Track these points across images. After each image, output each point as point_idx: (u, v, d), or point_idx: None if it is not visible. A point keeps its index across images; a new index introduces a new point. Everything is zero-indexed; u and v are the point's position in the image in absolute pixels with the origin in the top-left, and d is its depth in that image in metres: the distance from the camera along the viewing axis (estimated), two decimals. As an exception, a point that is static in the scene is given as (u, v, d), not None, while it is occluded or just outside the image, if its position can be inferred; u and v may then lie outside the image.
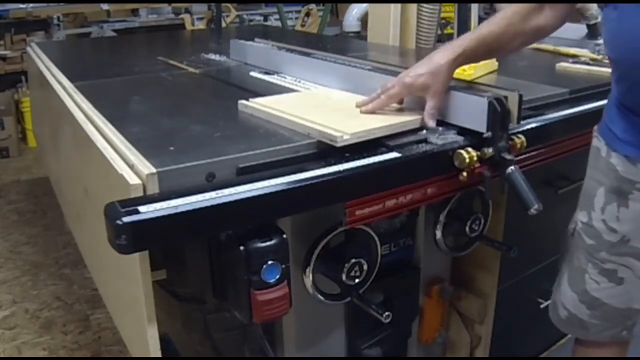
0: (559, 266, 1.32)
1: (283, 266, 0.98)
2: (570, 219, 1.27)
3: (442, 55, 1.13)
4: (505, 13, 1.15)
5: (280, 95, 1.35)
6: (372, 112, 1.17)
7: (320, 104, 1.28)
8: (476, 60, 1.25)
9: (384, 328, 1.35)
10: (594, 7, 2.20)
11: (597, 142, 1.17)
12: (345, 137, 1.03)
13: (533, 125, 1.25)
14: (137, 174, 0.93)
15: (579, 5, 2.14)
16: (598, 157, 1.16)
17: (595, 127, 1.20)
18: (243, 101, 1.27)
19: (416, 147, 1.10)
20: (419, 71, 1.13)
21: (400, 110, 1.19)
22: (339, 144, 1.03)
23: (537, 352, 1.78)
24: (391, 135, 1.11)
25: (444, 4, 2.24)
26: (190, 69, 1.83)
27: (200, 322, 1.35)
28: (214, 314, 1.30)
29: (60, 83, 1.64)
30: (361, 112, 1.18)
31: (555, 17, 1.15)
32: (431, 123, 1.12)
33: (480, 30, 1.16)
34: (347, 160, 1.02)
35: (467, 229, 1.34)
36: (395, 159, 1.06)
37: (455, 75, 1.46)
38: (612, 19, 1.02)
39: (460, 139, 1.14)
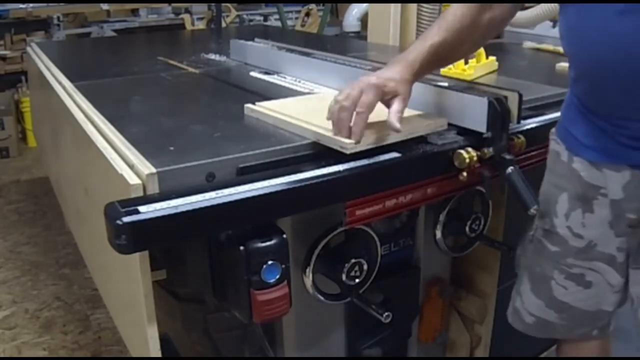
0: (517, 271, 1.26)
1: (283, 266, 0.98)
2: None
3: (403, 70, 1.06)
4: (455, 17, 1.08)
5: (287, 99, 1.32)
6: (361, 132, 1.01)
7: (328, 107, 1.25)
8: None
9: (384, 328, 1.34)
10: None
11: (556, 145, 1.12)
12: (356, 144, 1.01)
13: (533, 125, 1.25)
14: (137, 174, 0.93)
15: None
16: (558, 161, 1.11)
17: (553, 130, 1.15)
18: (249, 105, 1.25)
19: (416, 147, 1.10)
20: (388, 75, 1.05)
21: (407, 115, 1.15)
22: (349, 152, 1.01)
23: (537, 352, 1.77)
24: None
25: (443, 4, 2.24)
26: (190, 69, 1.83)
27: (200, 322, 1.35)
28: (214, 314, 1.30)
29: (60, 83, 1.64)
30: (342, 135, 1.03)
31: (503, 15, 1.10)
32: (398, 126, 1.02)
33: (432, 40, 1.08)
34: (347, 161, 1.02)
35: (467, 229, 1.34)
36: (395, 158, 1.05)
37: (455, 75, 1.46)
38: (571, 11, 0.98)
39: (460, 139, 1.14)
